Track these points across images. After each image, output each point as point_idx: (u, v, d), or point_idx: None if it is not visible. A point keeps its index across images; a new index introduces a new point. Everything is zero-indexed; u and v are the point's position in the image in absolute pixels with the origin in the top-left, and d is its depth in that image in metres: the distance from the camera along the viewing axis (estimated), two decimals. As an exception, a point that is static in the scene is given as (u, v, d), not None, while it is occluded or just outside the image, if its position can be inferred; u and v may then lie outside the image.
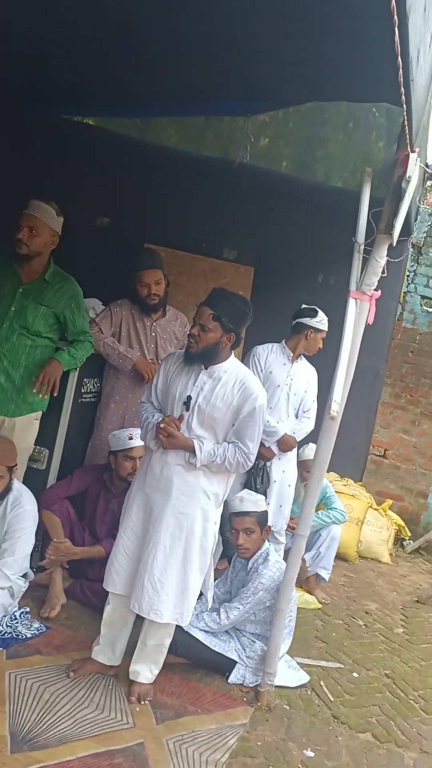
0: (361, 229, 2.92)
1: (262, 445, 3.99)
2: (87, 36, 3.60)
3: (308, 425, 4.15)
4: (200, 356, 2.75)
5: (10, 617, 3.10)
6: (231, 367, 2.80)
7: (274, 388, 4.01)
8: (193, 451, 2.71)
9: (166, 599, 2.74)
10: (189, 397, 2.75)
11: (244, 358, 4.07)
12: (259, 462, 3.91)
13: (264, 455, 3.95)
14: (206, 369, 2.78)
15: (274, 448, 4.01)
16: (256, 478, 3.92)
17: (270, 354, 4.06)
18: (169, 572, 2.74)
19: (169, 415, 2.78)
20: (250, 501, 3.24)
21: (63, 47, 3.78)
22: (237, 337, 2.77)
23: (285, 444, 4.01)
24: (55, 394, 3.41)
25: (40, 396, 3.35)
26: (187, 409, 2.75)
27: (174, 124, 6.34)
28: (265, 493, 3.82)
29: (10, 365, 3.33)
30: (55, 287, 3.41)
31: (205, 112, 5.27)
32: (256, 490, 3.76)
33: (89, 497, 3.70)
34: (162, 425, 2.72)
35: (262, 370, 3.99)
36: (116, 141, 5.55)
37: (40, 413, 3.49)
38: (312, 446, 4.26)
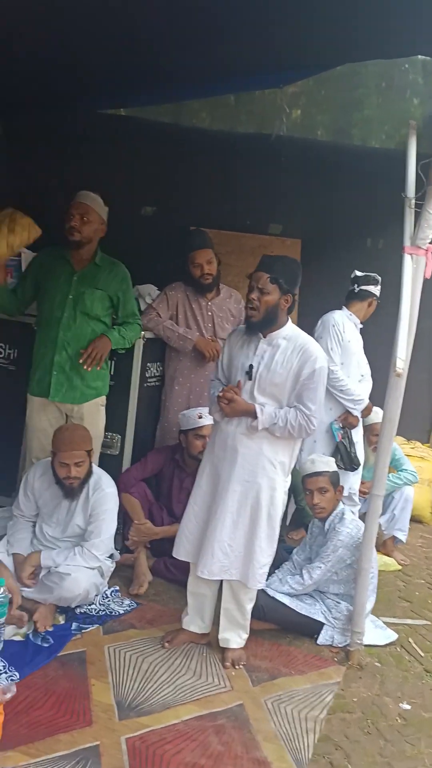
0: (410, 183, 2.90)
1: (349, 413, 4.02)
2: (119, 27, 3.66)
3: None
4: (261, 323, 2.79)
5: (102, 596, 3.24)
6: (289, 333, 2.84)
7: (356, 355, 4.04)
8: (254, 415, 2.76)
9: (236, 561, 2.84)
10: (251, 366, 2.81)
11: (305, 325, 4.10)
12: (346, 436, 3.97)
13: (351, 423, 4.01)
14: (265, 337, 2.82)
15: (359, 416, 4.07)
16: (346, 456, 3.96)
17: (346, 323, 4.06)
18: (237, 538, 2.83)
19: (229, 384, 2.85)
20: (322, 462, 3.29)
21: (97, 42, 3.85)
22: (293, 298, 2.81)
23: (367, 410, 4.08)
24: (99, 368, 3.48)
25: (86, 368, 3.42)
26: (250, 378, 2.81)
27: (206, 106, 6.36)
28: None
29: (73, 353, 3.44)
30: (106, 270, 3.51)
31: (237, 88, 5.26)
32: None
33: (164, 477, 3.80)
34: (221, 393, 2.80)
35: (342, 340, 4.00)
36: (152, 129, 5.61)
37: (104, 398, 3.59)
38: (377, 409, 4.26)
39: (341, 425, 4.06)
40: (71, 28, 3.61)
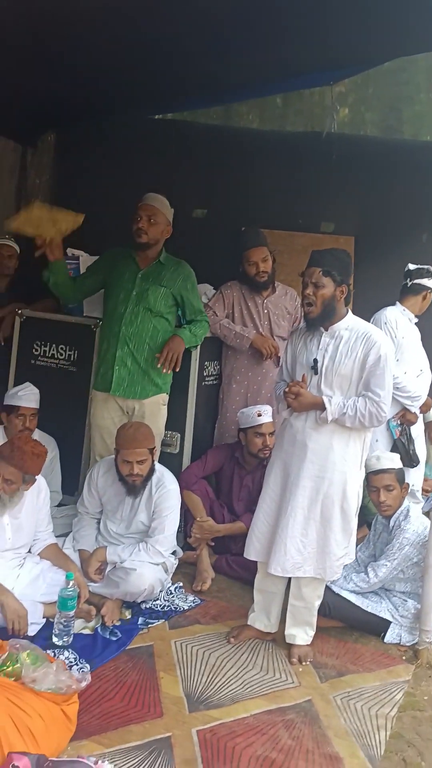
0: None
1: (407, 411, 3.97)
2: (169, 31, 3.71)
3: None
4: (321, 316, 2.78)
5: (167, 592, 3.27)
6: (351, 323, 2.83)
7: (409, 352, 3.98)
8: (323, 407, 2.74)
9: (309, 557, 2.82)
10: (315, 360, 2.79)
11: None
12: (405, 432, 3.92)
13: (410, 420, 3.96)
14: (327, 330, 2.81)
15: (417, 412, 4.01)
16: (407, 452, 3.90)
17: (399, 319, 4.01)
18: (309, 533, 2.81)
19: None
20: (387, 458, 3.25)
21: (148, 47, 3.91)
22: (348, 288, 2.79)
23: (426, 406, 4.00)
24: (177, 370, 3.53)
25: (164, 371, 3.46)
26: (316, 373, 2.80)
27: (254, 108, 6.37)
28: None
29: (135, 348, 3.48)
30: (170, 269, 3.55)
31: (287, 87, 5.27)
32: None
33: (224, 475, 3.81)
34: (287, 388, 2.79)
35: (396, 337, 3.94)
36: (202, 132, 5.65)
37: (166, 397, 3.63)
38: (438, 406, 4.19)
39: (399, 422, 4.00)
40: (122, 33, 3.69)
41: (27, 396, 3.63)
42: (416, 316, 4.12)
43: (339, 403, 2.74)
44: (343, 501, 2.82)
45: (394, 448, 3.93)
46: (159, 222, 3.49)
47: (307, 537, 2.81)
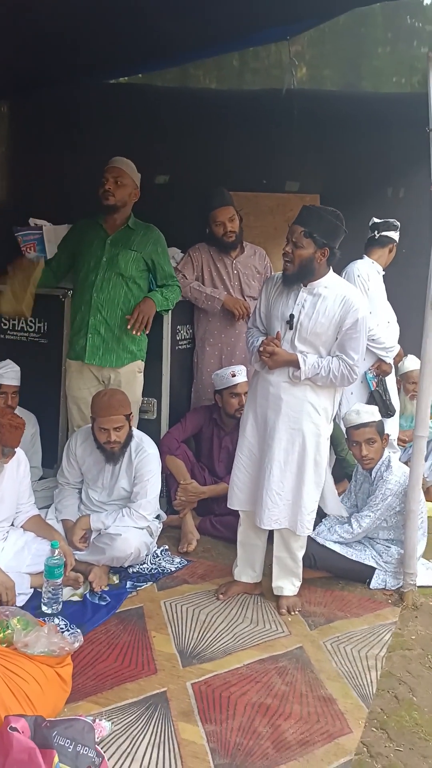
0: (433, 115, 2.84)
1: (382, 361, 4.00)
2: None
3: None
4: (297, 275, 2.77)
5: (153, 555, 3.28)
6: (331, 282, 2.81)
7: (378, 302, 4.00)
8: (297, 365, 2.75)
9: (284, 508, 2.85)
10: (291, 316, 2.79)
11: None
12: (381, 383, 3.95)
13: (385, 371, 4.00)
14: (305, 286, 2.79)
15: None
16: (382, 403, 3.94)
17: (370, 271, 4.03)
18: (285, 485, 2.84)
19: (268, 335, 2.83)
20: (367, 412, 3.27)
21: (98, 12, 3.80)
22: (332, 251, 2.76)
23: (398, 357, 4.04)
24: (147, 332, 3.51)
25: (135, 333, 3.42)
26: (291, 328, 2.79)
27: (212, 69, 6.26)
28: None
29: (107, 315, 3.44)
30: (140, 233, 3.51)
31: (243, 45, 5.17)
32: None
33: (203, 438, 3.82)
34: (262, 347, 2.78)
35: (368, 289, 3.95)
36: (160, 95, 5.55)
37: (142, 364, 3.60)
38: (411, 357, 4.23)
39: (375, 373, 4.04)
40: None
41: (8, 374, 3.59)
42: (383, 270, 4.15)
43: (313, 363, 2.75)
44: (316, 453, 2.85)
45: (371, 400, 3.98)
46: (126, 184, 3.44)
47: (283, 489, 2.84)
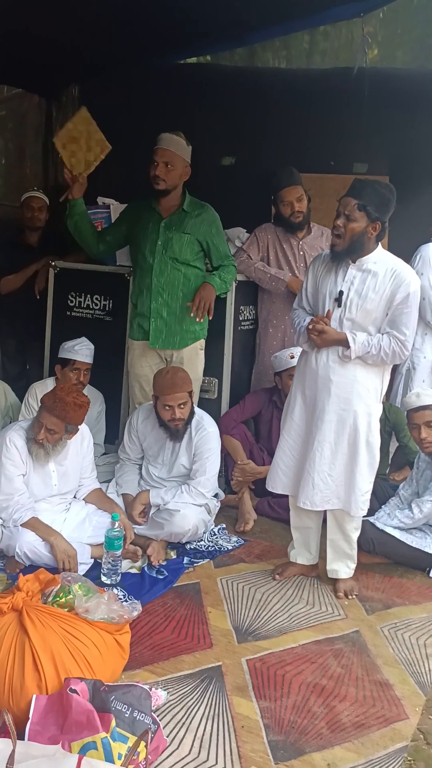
0: None
1: None
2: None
3: None
4: (348, 250, 2.71)
5: (210, 533, 3.30)
6: (380, 257, 2.74)
7: None
8: (347, 344, 2.70)
9: (337, 490, 2.82)
10: (341, 292, 2.74)
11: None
12: None
13: None
14: (354, 263, 2.74)
15: None
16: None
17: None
18: (337, 466, 2.80)
19: (318, 314, 2.79)
20: (427, 395, 3.20)
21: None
22: (383, 226, 2.70)
23: None
24: (210, 317, 3.51)
25: (198, 320, 3.44)
26: (340, 305, 2.74)
27: (280, 48, 6.18)
28: None
29: (169, 298, 3.46)
30: (194, 215, 3.48)
31: (313, 22, 5.09)
32: None
33: (262, 419, 3.81)
34: (311, 325, 2.74)
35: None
36: (228, 75, 5.50)
37: (203, 342, 3.61)
38: None
39: None
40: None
41: (83, 351, 3.65)
42: None
43: (363, 341, 2.70)
44: (369, 433, 2.79)
45: None
46: (176, 166, 3.39)
47: (334, 470, 2.80)
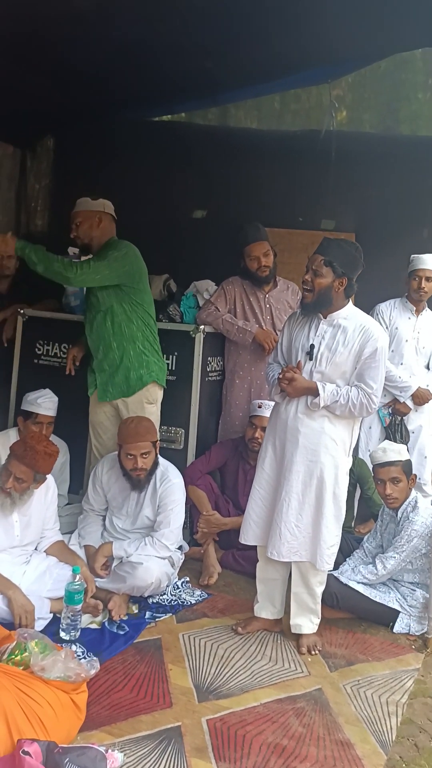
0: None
1: (396, 401, 4.00)
2: (164, 31, 3.73)
3: None
4: (315, 304, 2.79)
5: (173, 586, 3.26)
6: (350, 313, 2.83)
7: (401, 343, 4.02)
8: (316, 392, 2.75)
9: (304, 542, 2.83)
10: (312, 346, 2.80)
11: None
12: (396, 418, 3.94)
13: (400, 411, 3.99)
14: (325, 318, 2.81)
15: (409, 403, 4.01)
16: (395, 434, 3.92)
17: (393, 310, 4.08)
18: (304, 518, 2.82)
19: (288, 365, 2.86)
20: (393, 451, 3.23)
21: (145, 49, 3.94)
22: (349, 282, 2.78)
23: (419, 398, 4.01)
24: None
25: None
26: (311, 358, 2.81)
27: (252, 109, 6.41)
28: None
29: (105, 352, 3.49)
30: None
31: (284, 86, 5.29)
32: None
33: (228, 470, 3.81)
34: (281, 374, 2.81)
35: (387, 327, 4.01)
36: (200, 133, 5.67)
37: (156, 392, 3.54)
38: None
39: (389, 411, 4.04)
40: (117, 33, 3.71)
41: (46, 403, 3.61)
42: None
43: (332, 391, 2.75)
44: (335, 486, 2.82)
45: (384, 436, 3.97)
46: (83, 220, 3.44)
47: (301, 521, 2.81)
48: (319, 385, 2.75)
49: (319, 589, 2.92)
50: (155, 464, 3.26)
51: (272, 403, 3.65)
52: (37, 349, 4.17)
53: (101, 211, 3.51)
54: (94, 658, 2.52)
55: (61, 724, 2.07)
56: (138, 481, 3.23)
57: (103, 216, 3.50)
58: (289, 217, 5.39)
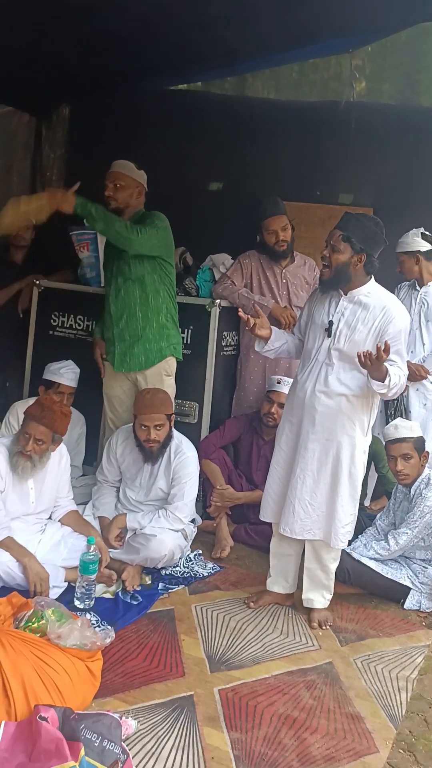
0: None
1: None
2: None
3: None
4: (333, 280, 2.76)
5: (186, 559, 3.29)
6: (372, 290, 2.79)
7: None
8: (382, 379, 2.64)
9: (317, 519, 2.83)
10: (330, 323, 2.78)
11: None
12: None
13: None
14: (346, 294, 2.78)
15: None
16: (395, 412, 3.89)
17: (401, 290, 4.03)
18: (318, 496, 2.82)
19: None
20: (405, 427, 3.22)
21: (163, 17, 3.86)
22: (369, 258, 2.74)
23: (414, 374, 3.95)
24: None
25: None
26: (329, 335, 2.78)
27: (270, 79, 6.29)
28: None
29: (128, 321, 3.45)
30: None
31: (303, 55, 5.18)
32: None
33: (242, 445, 3.82)
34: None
35: None
36: (217, 103, 5.58)
37: (172, 363, 3.54)
38: None
39: None
40: (138, 3, 3.64)
41: (68, 374, 3.63)
42: None
43: (398, 374, 2.68)
44: (351, 465, 2.81)
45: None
46: (125, 186, 3.38)
47: (315, 500, 2.82)
48: (391, 371, 2.64)
49: (333, 566, 2.93)
50: (169, 437, 3.27)
51: (291, 380, 3.65)
52: (52, 321, 4.17)
53: (143, 184, 3.48)
54: (109, 627, 2.56)
55: (77, 690, 2.11)
56: (151, 452, 3.24)
57: (143, 189, 3.48)
58: (306, 190, 5.31)
